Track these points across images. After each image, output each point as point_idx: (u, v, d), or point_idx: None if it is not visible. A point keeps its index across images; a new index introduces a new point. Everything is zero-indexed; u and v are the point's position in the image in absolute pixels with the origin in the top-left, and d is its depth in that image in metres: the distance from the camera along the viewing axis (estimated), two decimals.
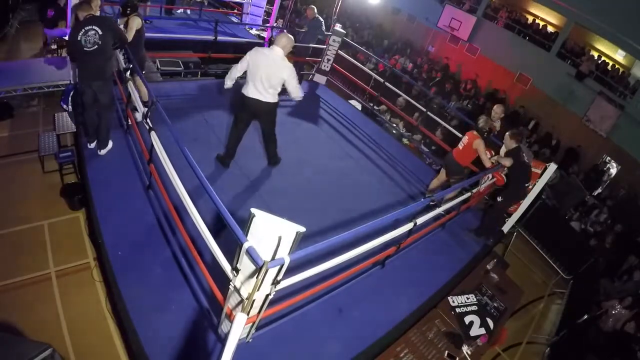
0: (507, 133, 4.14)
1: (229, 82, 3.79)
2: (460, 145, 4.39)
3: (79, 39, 3.25)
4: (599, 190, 8.87)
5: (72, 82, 5.03)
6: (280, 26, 9.54)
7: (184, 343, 2.48)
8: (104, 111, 3.62)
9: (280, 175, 4.31)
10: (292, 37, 3.64)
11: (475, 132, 4.26)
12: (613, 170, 9.24)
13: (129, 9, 3.95)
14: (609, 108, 9.13)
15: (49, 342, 2.30)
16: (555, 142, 9.73)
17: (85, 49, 3.27)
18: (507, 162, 4.06)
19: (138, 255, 2.96)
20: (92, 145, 3.74)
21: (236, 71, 3.70)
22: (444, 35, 12.44)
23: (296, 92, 3.73)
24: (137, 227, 3.19)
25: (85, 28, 3.25)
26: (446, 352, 3.00)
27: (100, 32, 3.29)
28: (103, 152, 3.75)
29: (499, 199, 4.32)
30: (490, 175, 4.69)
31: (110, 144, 3.81)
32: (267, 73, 3.52)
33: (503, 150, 4.31)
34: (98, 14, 3.55)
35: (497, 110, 5.05)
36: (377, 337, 2.96)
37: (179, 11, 8.47)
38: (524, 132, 8.99)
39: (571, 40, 10.58)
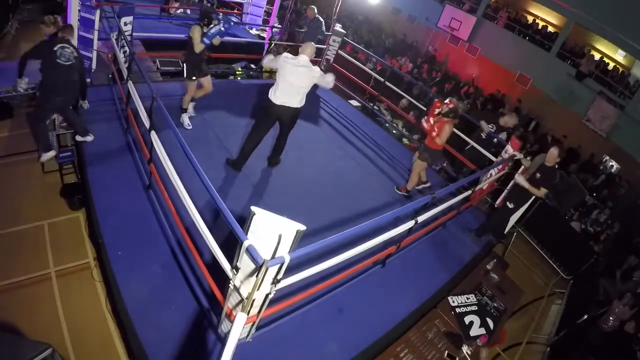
0: (554, 149, 3.94)
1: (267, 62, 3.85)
2: (433, 134, 4.34)
3: (55, 49, 3.39)
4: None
5: None
6: (280, 26, 9.55)
7: (184, 343, 2.48)
8: (71, 117, 3.81)
9: (280, 175, 4.31)
10: (314, 45, 3.82)
11: (443, 119, 4.24)
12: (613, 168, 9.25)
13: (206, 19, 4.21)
14: (609, 108, 9.13)
15: (49, 342, 2.30)
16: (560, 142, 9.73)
17: (58, 60, 3.41)
18: (541, 194, 4.01)
19: (138, 255, 2.96)
20: (46, 154, 3.86)
21: (267, 63, 3.82)
22: (444, 35, 12.45)
23: (328, 82, 3.86)
24: (137, 227, 3.19)
25: (63, 44, 3.44)
26: (446, 352, 3.00)
27: (76, 54, 3.55)
28: (89, 138, 3.91)
29: (511, 205, 4.26)
30: (492, 172, 4.70)
31: (91, 136, 3.92)
32: (298, 80, 3.65)
33: (527, 166, 4.25)
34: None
35: (509, 120, 5.04)
36: (377, 337, 2.96)
37: (178, 11, 8.48)
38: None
39: (571, 40, 10.59)
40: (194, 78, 4.38)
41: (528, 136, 9.49)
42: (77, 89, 3.83)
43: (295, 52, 4.01)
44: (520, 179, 4.05)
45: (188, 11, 8.69)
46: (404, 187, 4.77)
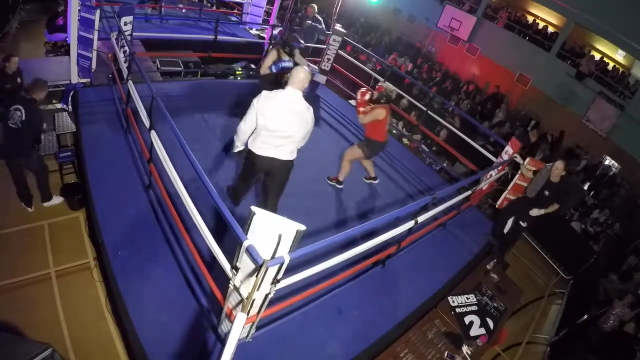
0: (560, 163, 3.90)
1: (240, 146, 3.11)
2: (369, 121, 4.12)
3: (10, 111, 3.47)
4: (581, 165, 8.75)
5: (71, 82, 5.04)
6: (280, 26, 9.55)
7: (184, 343, 2.48)
8: (38, 173, 3.81)
9: None
10: (309, 70, 2.90)
11: (375, 105, 4.03)
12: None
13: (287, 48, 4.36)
14: (609, 108, 9.12)
15: (49, 342, 2.30)
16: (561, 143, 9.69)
17: (9, 122, 3.48)
18: (554, 209, 3.98)
19: (138, 255, 2.96)
20: (32, 209, 3.89)
21: (246, 131, 2.94)
22: (444, 35, 12.44)
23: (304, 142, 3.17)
24: (137, 227, 3.19)
25: (17, 106, 3.48)
26: (446, 352, 3.00)
27: (23, 118, 3.47)
28: (48, 204, 3.94)
29: (524, 224, 4.20)
30: (493, 173, 4.69)
31: (54, 199, 3.96)
32: (289, 127, 2.80)
33: (530, 173, 4.21)
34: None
35: (533, 137, 4.99)
36: (377, 337, 2.96)
37: (182, 11, 8.49)
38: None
39: (571, 40, 10.58)
40: None
41: (534, 138, 9.40)
42: (29, 145, 3.74)
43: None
44: (535, 212, 4.05)
45: (185, 10, 8.71)
46: (335, 178, 4.51)
